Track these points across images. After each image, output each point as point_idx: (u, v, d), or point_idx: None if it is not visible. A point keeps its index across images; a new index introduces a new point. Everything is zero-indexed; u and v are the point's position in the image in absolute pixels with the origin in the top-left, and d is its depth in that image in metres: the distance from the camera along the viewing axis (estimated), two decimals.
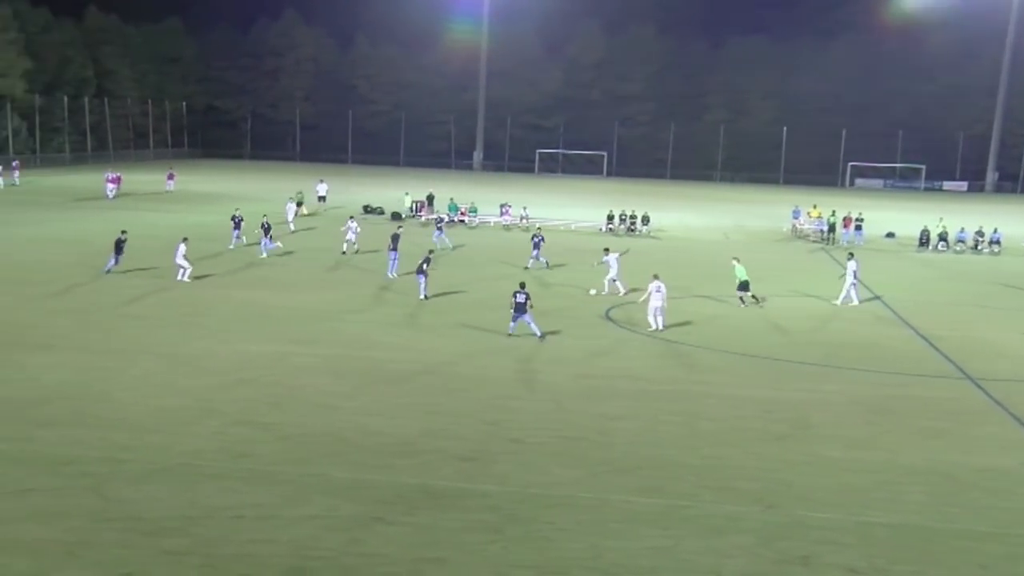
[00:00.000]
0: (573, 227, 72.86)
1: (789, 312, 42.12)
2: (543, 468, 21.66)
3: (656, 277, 37.08)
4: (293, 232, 62.63)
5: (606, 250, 45.65)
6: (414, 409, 25.83)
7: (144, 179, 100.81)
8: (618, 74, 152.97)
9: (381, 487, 20.20)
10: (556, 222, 74.47)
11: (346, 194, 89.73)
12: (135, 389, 26.81)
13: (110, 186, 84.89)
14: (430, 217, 74.80)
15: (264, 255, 51.44)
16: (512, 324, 34.76)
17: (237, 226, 54.95)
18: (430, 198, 78.93)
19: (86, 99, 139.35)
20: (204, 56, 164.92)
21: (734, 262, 43.94)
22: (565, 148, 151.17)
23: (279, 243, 53.39)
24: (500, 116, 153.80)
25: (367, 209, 76.03)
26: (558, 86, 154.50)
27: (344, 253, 53.25)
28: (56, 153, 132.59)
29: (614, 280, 44.03)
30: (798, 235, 74.77)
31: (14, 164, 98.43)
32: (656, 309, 36.78)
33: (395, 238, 46.68)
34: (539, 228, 59.92)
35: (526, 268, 49.83)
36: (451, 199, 76.81)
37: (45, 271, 45.00)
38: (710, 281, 48.04)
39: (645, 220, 72.36)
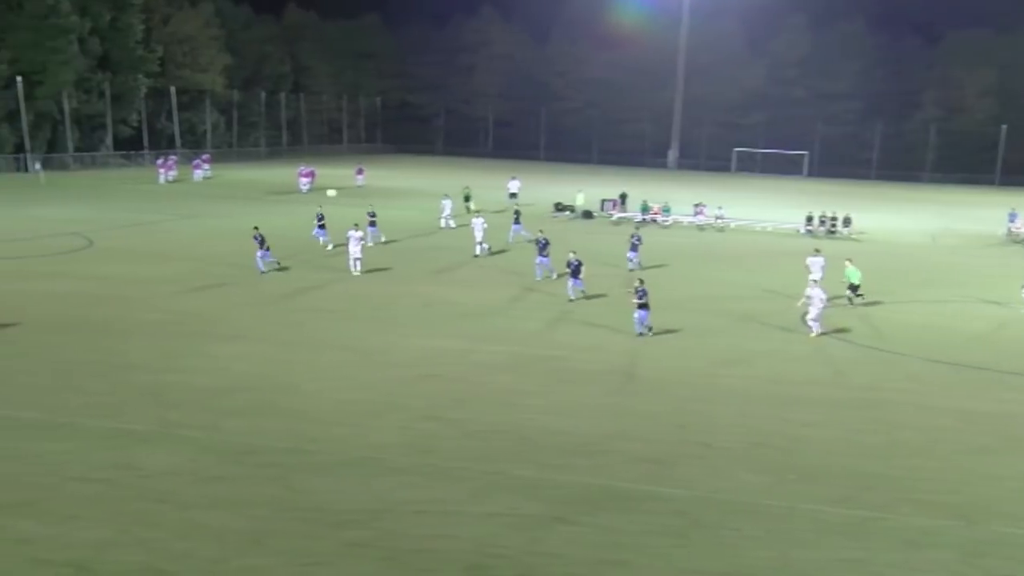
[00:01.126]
0: (770, 228, 71.72)
1: (992, 320, 40.63)
2: (731, 473, 21.48)
3: (816, 283, 36.29)
4: (447, 229, 63.16)
5: (816, 251, 44.63)
6: (598, 409, 25.92)
7: (336, 173, 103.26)
8: (823, 71, 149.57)
9: (564, 487, 20.33)
10: (752, 223, 73.43)
11: (538, 191, 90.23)
12: (320, 381, 27.65)
13: (304, 180, 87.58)
14: (622, 215, 74.72)
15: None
16: (639, 325, 34.74)
17: (372, 224, 55.60)
18: (623, 196, 78.77)
19: (283, 94, 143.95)
20: (400, 52, 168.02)
21: (847, 263, 43.09)
22: (764, 147, 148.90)
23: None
24: (697, 114, 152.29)
25: (558, 207, 76.29)
26: (759, 83, 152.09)
27: (476, 256, 52.39)
28: (252, 147, 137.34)
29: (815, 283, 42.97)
30: (1014, 239, 71.91)
31: (203, 157, 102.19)
32: (813, 314, 35.99)
33: (542, 244, 46.10)
34: (637, 228, 57.86)
35: (630, 270, 48.84)
36: (643, 201, 76.30)
37: (234, 263, 46.61)
38: (914, 286, 46.75)
39: (846, 222, 70.74)
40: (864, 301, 42.35)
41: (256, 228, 46.06)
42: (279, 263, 45.99)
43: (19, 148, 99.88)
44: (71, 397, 25.24)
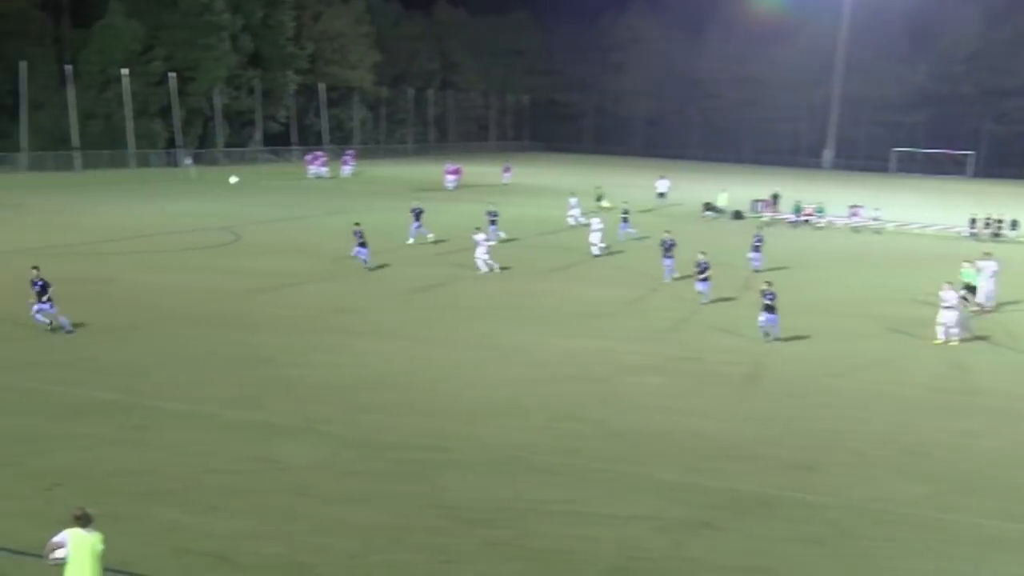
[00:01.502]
0: (930, 231, 69.96)
1: None
2: (885, 482, 20.92)
3: (949, 285, 35.12)
4: (576, 227, 62.73)
5: (986, 254, 43.35)
6: (747, 413, 25.52)
7: (482, 171, 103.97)
8: (995, 67, 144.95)
9: (710, 491, 20.05)
10: (911, 225, 71.73)
11: (687, 191, 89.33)
12: (462, 379, 27.81)
13: (450, 177, 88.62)
14: (774, 216, 73.69)
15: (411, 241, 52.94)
16: (764, 328, 33.70)
17: (493, 222, 55.06)
18: (775, 197, 77.63)
19: (431, 91, 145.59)
20: (549, 49, 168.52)
21: (965, 264, 41.91)
22: (926, 146, 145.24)
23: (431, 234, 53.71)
24: (854, 112, 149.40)
25: (707, 207, 75.50)
26: (923, 80, 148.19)
27: (596, 256, 51.68)
28: (399, 144, 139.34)
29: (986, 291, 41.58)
30: None
31: (349, 153, 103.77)
32: (947, 322, 34.80)
33: (668, 244, 45.44)
34: (759, 228, 55.09)
35: (755, 271, 47.63)
36: (797, 201, 74.90)
37: (373, 260, 47.17)
38: None
39: (1013, 224, 68.61)
40: (979, 308, 40.71)
41: (357, 224, 46.33)
42: (366, 262, 45.77)
43: (171, 143, 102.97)
44: (214, 389, 25.78)
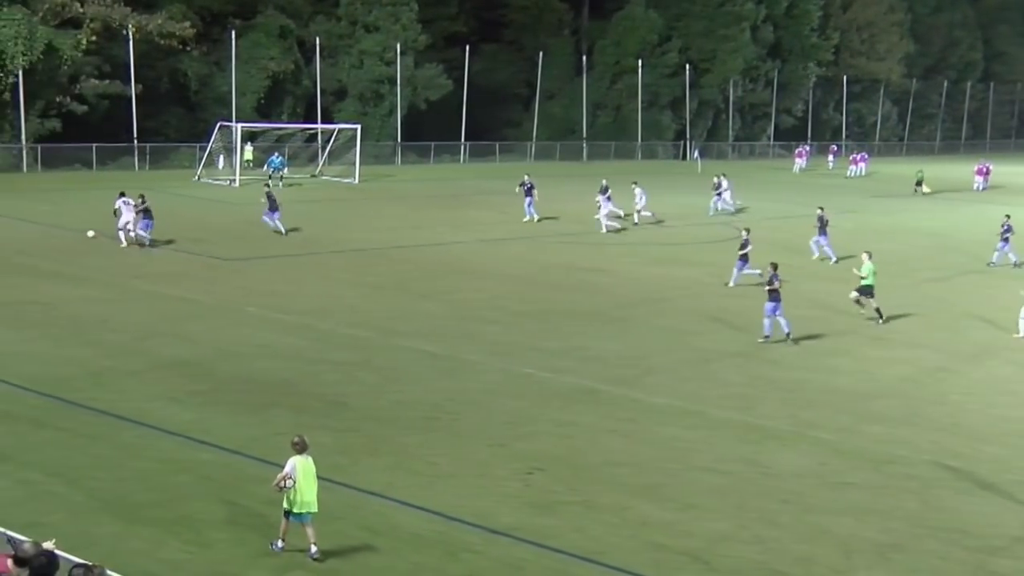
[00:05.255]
0: None
1: None
2: None
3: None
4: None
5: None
6: None
7: (1016, 171, 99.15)
8: None
9: None
10: None
11: None
12: (976, 394, 26.80)
13: (978, 178, 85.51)
14: None
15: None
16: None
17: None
18: None
19: (968, 84, 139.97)
20: None
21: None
22: None
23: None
24: None
25: None
26: None
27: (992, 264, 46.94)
28: (925, 141, 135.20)
29: None
30: None
31: (832, 149, 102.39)
32: None
33: None
34: (1007, 216, 46.65)
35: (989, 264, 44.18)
36: None
37: (892, 262, 45.98)
38: None
39: None
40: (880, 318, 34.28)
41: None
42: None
43: (679, 136, 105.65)
44: (707, 386, 26.27)
